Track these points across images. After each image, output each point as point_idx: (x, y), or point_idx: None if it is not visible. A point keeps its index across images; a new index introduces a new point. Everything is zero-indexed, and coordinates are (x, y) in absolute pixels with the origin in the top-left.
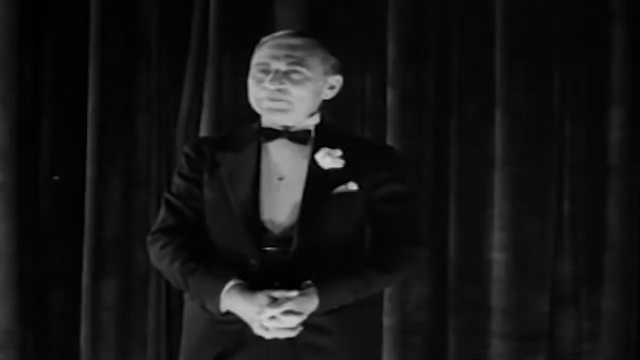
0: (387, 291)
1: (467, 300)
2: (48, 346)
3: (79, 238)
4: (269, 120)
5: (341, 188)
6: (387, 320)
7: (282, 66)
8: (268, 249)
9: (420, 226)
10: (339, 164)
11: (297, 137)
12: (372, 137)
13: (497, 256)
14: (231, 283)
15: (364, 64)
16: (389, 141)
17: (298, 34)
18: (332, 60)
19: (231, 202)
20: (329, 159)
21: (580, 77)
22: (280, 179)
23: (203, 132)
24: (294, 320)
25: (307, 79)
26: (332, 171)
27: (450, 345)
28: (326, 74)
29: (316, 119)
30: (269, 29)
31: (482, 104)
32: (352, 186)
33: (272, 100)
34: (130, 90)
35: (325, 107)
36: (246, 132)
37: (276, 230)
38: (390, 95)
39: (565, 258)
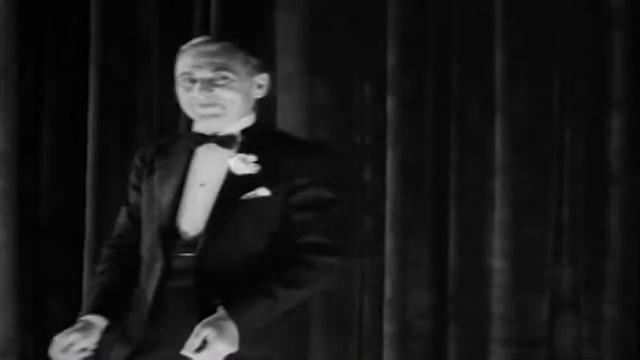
0: (387, 297)
1: (466, 306)
2: (48, 353)
3: (80, 244)
4: (200, 125)
5: (250, 194)
6: (386, 327)
7: (206, 74)
8: (180, 254)
9: (335, 234)
10: (252, 169)
11: (223, 141)
12: (309, 138)
13: (497, 262)
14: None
15: (363, 70)
16: (390, 148)
17: (216, 39)
18: (253, 60)
19: (155, 208)
20: (242, 165)
21: (581, 83)
22: (202, 185)
23: None
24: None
25: (232, 81)
26: (244, 177)
27: (450, 351)
28: (250, 74)
29: (248, 122)
30: (269, 34)
31: (482, 111)
32: (263, 192)
33: (204, 106)
34: (131, 97)
35: (323, 114)
36: (183, 137)
37: (188, 237)
38: (390, 102)
39: (565, 264)
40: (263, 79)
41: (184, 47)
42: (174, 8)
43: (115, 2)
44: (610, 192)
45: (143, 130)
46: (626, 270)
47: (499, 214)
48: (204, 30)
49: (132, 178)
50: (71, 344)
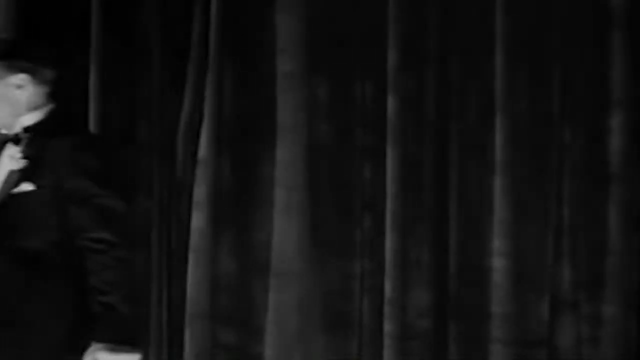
0: (387, 297)
1: (467, 306)
2: None
3: None
4: None
5: (16, 189)
6: (386, 327)
7: None
8: None
9: (112, 227)
10: (20, 164)
11: (13, 140)
12: (92, 132)
13: (497, 262)
14: None
15: (364, 70)
16: (390, 147)
17: None
18: (3, 63)
19: None
20: (11, 161)
21: (581, 82)
22: None
23: (203, 140)
24: None
25: None
26: (15, 172)
27: (451, 351)
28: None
29: (31, 119)
30: (269, 36)
31: (482, 110)
32: (27, 187)
33: None
34: (131, 99)
35: (323, 114)
36: None
37: None
38: (391, 102)
39: (565, 264)
40: (20, 79)
41: None
42: (174, 8)
43: (115, 2)
44: (610, 192)
45: (143, 133)
46: (626, 269)
47: (499, 214)
48: (204, 31)
49: None
50: None
